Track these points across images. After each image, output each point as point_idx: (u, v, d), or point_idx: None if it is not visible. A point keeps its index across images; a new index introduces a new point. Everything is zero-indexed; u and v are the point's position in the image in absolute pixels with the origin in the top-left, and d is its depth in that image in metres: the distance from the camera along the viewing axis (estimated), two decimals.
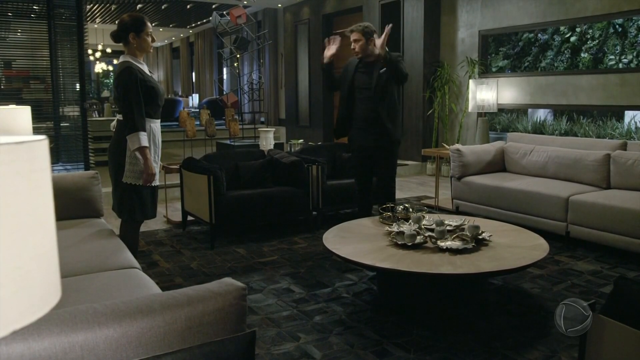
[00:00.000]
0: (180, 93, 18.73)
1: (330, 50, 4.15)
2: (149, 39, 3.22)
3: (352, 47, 4.13)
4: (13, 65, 6.37)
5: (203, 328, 1.31)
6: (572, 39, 8.45)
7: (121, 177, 3.22)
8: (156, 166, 3.29)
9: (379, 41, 3.96)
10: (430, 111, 7.98)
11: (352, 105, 4.23)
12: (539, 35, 8.64)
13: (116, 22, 3.33)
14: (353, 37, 4.11)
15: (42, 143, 0.67)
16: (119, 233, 3.34)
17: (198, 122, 7.47)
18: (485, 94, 6.70)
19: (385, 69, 4.01)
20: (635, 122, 7.38)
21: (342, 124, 4.33)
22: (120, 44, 3.24)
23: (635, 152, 4.48)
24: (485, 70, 7.56)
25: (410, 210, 3.67)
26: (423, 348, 2.63)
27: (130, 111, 3.08)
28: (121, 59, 3.24)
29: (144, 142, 3.12)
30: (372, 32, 4.12)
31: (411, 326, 2.87)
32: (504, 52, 8.93)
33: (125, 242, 3.07)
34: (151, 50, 3.32)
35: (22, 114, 2.79)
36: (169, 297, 1.33)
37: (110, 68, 19.42)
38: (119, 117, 3.23)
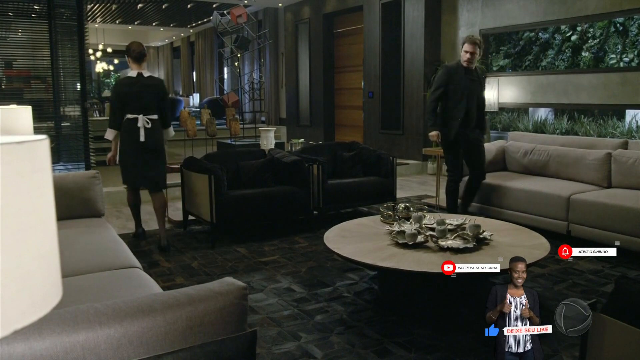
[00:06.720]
0: (180, 92, 18.72)
1: None
2: None
3: (467, 57, 4.65)
4: (14, 65, 6.37)
5: (204, 327, 1.31)
6: (573, 37, 8.44)
7: (165, 159, 4.37)
8: None
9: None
10: None
11: (454, 106, 4.76)
12: (540, 34, 8.62)
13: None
14: (471, 49, 4.63)
15: (43, 143, 0.67)
16: (157, 204, 4.27)
17: (199, 122, 7.46)
18: (486, 93, 6.68)
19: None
20: (636, 121, 7.37)
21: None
22: (134, 60, 4.16)
23: (636, 151, 4.48)
24: (486, 69, 7.54)
25: (411, 209, 3.66)
26: (424, 347, 2.63)
27: (170, 112, 4.41)
28: (149, 73, 4.23)
29: (172, 133, 4.50)
30: (482, 45, 4.81)
31: (412, 325, 2.86)
32: (504, 51, 8.92)
33: (163, 210, 4.34)
34: None
35: (22, 114, 2.78)
36: (170, 296, 1.33)
37: (111, 68, 19.43)
38: (153, 117, 4.15)
